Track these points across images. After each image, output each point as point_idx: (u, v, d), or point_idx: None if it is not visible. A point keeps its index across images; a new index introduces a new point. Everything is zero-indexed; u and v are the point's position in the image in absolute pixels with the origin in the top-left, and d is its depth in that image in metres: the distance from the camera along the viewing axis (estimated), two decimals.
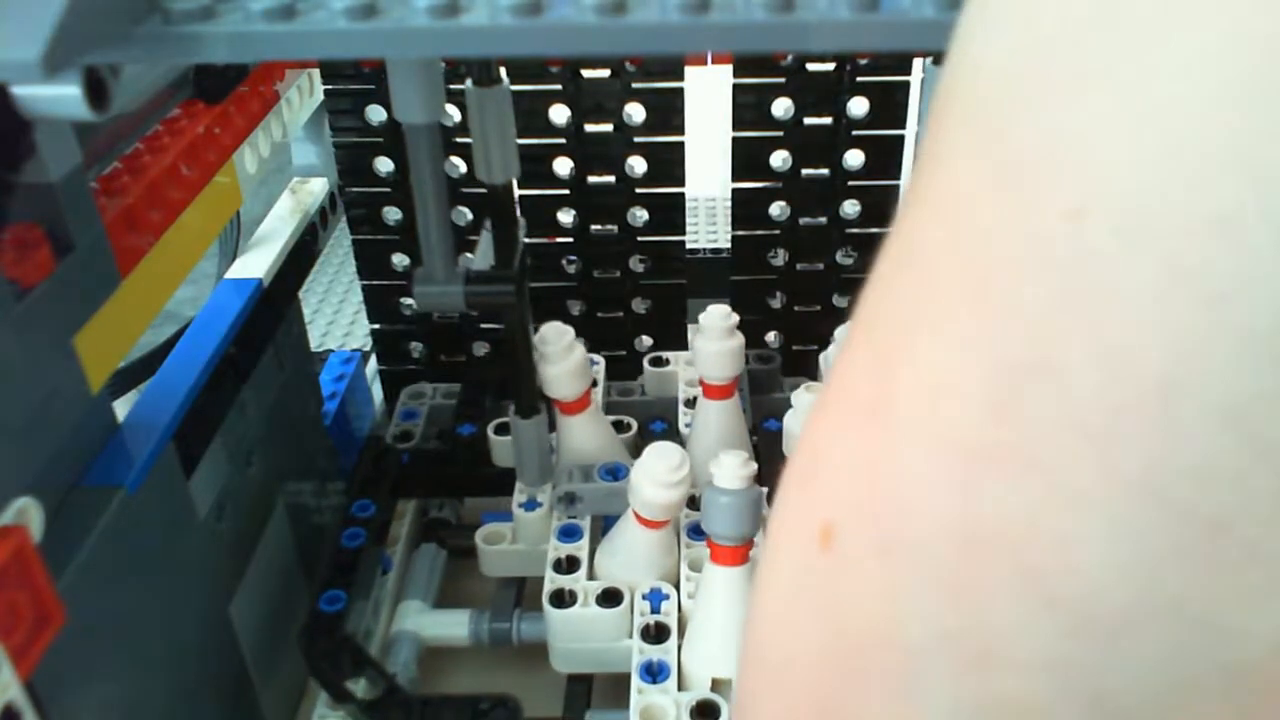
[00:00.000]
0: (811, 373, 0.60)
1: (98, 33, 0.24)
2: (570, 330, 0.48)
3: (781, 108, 0.54)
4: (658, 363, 0.58)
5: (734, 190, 0.56)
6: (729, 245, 0.59)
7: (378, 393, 0.64)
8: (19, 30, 0.23)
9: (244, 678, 0.43)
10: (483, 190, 0.44)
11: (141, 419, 0.37)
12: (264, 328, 0.47)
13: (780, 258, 0.58)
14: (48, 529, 0.29)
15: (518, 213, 0.46)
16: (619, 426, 0.54)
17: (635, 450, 0.52)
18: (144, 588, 0.35)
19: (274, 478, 0.48)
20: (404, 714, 0.40)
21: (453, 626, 0.50)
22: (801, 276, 0.58)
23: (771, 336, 0.60)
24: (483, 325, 0.60)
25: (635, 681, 0.41)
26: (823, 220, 0.56)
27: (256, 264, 0.48)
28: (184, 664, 0.38)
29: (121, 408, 0.36)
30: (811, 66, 0.53)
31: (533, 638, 0.48)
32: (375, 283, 0.59)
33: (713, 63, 0.52)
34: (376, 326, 0.61)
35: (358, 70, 0.53)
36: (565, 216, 0.56)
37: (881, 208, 0.56)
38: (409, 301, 0.59)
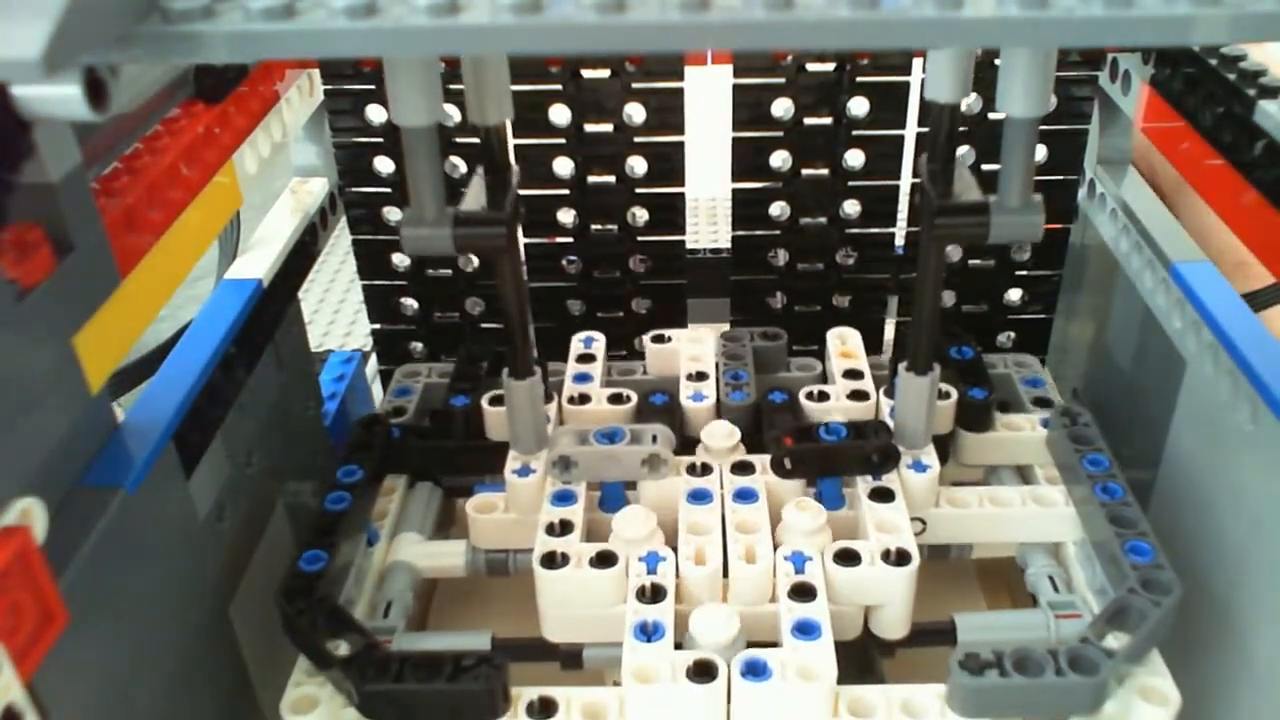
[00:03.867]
0: None
1: (97, 32, 0.24)
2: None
3: (781, 108, 0.54)
4: (659, 340, 0.56)
5: (734, 190, 0.56)
6: (729, 245, 0.59)
7: (378, 393, 0.64)
8: (19, 30, 0.23)
9: (244, 678, 0.43)
10: (476, 140, 0.42)
11: (141, 419, 0.37)
12: (264, 328, 0.47)
13: (780, 258, 0.58)
14: (48, 529, 0.29)
15: (511, 158, 0.44)
16: (617, 399, 0.52)
17: (635, 422, 0.51)
18: (144, 588, 0.35)
19: (274, 478, 0.48)
20: (381, 671, 0.37)
21: (449, 557, 0.48)
22: (801, 276, 0.58)
23: None
24: (484, 325, 0.60)
25: (628, 641, 0.38)
26: (823, 220, 0.56)
27: (256, 264, 0.48)
28: (184, 664, 0.38)
29: (121, 408, 0.36)
30: (811, 66, 0.53)
31: (529, 567, 0.44)
32: (375, 283, 0.59)
33: (713, 62, 0.52)
34: (376, 326, 0.61)
35: (358, 70, 0.53)
36: (565, 216, 0.56)
37: (881, 208, 0.56)
38: (409, 301, 0.59)
